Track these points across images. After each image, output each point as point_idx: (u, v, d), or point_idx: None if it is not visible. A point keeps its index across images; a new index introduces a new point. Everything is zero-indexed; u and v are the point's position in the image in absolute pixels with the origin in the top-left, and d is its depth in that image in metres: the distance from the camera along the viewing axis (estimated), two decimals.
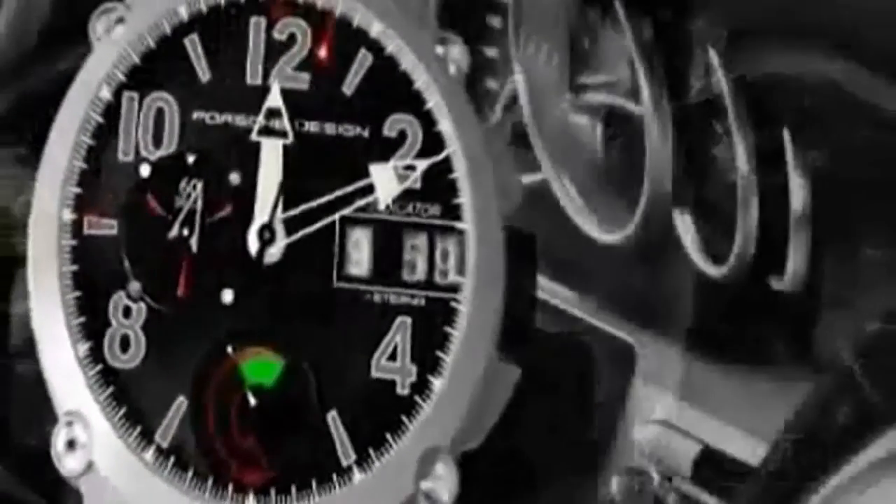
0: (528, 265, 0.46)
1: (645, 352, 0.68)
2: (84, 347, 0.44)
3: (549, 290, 0.74)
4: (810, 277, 0.59)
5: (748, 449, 0.61)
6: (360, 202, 0.46)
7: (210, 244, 0.45)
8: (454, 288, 0.45)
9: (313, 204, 0.46)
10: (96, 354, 0.44)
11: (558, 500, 0.69)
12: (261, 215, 0.45)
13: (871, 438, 0.43)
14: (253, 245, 0.45)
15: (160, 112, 0.46)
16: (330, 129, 0.46)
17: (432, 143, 0.46)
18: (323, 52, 0.47)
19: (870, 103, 0.52)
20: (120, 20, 0.46)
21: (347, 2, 0.47)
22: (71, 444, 0.44)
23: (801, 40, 0.53)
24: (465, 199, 0.46)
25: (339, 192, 0.46)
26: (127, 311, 0.44)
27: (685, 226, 0.65)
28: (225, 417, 0.44)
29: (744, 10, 0.53)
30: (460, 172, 0.46)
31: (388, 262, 0.45)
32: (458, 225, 0.46)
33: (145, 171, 0.46)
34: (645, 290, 0.70)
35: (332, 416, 0.44)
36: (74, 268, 0.45)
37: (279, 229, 0.45)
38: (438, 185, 0.46)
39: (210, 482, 0.43)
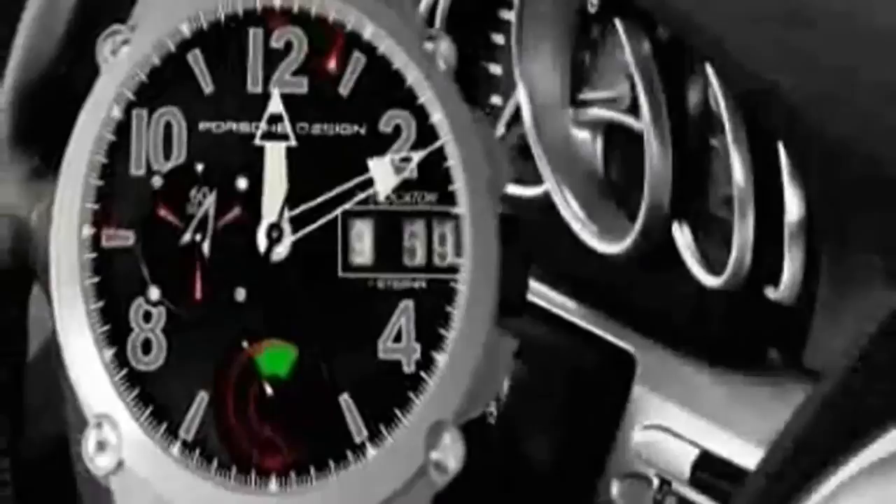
0: (518, 243, 0.47)
1: (644, 359, 0.69)
2: (109, 353, 0.46)
3: (551, 298, 0.74)
4: (805, 286, 0.60)
5: (745, 453, 0.62)
6: (361, 196, 0.47)
7: (221, 247, 0.47)
8: (453, 269, 0.47)
9: (317, 201, 0.47)
10: (121, 359, 0.46)
11: None
12: (268, 216, 0.47)
13: (871, 439, 0.43)
14: (262, 244, 0.47)
15: (168, 125, 0.47)
16: (329, 129, 0.48)
17: (426, 135, 0.48)
18: (319, 57, 0.48)
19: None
20: (125, 42, 0.48)
21: (340, 8, 0.48)
22: (101, 446, 0.45)
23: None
24: (459, 185, 0.47)
25: (340, 189, 0.47)
26: (147, 316, 0.46)
27: (683, 237, 0.66)
28: (244, 408, 0.46)
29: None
30: (453, 161, 0.47)
31: (389, 250, 0.47)
32: (454, 210, 0.47)
33: (157, 183, 0.47)
34: (644, 299, 0.70)
35: (345, 399, 0.46)
36: (96, 279, 0.46)
37: (286, 228, 0.47)
38: (434, 174, 0.47)
39: (234, 470, 0.45)
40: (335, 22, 0.48)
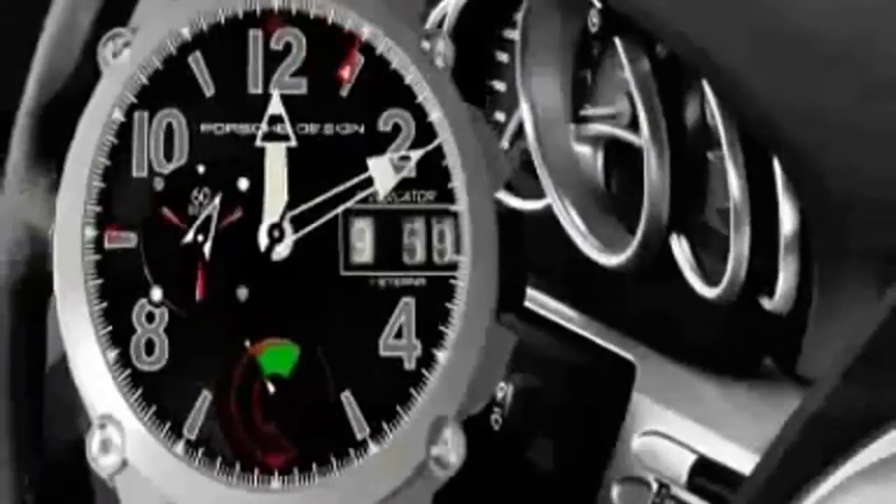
0: (516, 239, 0.48)
1: (644, 367, 0.70)
2: (113, 354, 0.46)
3: (553, 308, 0.75)
4: (799, 297, 0.61)
5: (741, 458, 0.62)
6: (361, 194, 0.47)
7: (223, 247, 0.47)
8: (452, 266, 0.47)
9: (317, 201, 0.47)
10: (124, 360, 0.46)
11: None
12: (269, 216, 0.47)
13: (868, 441, 0.43)
14: (263, 244, 0.47)
15: (170, 127, 0.48)
16: (329, 129, 0.48)
17: (425, 133, 0.48)
18: (318, 58, 0.48)
19: None
20: (126, 44, 0.48)
21: (339, 9, 0.48)
22: (105, 446, 0.45)
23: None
24: (457, 182, 0.47)
25: (340, 188, 0.47)
26: (150, 317, 0.46)
27: (681, 249, 0.67)
28: (247, 407, 0.46)
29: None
30: (452, 158, 0.47)
31: (389, 248, 0.47)
32: (453, 207, 0.47)
33: (159, 184, 0.47)
34: (644, 309, 0.71)
35: (346, 396, 0.46)
36: (99, 281, 0.46)
37: (287, 227, 0.47)
38: (432, 172, 0.47)
39: (237, 468, 0.45)
40: (334, 23, 0.48)
